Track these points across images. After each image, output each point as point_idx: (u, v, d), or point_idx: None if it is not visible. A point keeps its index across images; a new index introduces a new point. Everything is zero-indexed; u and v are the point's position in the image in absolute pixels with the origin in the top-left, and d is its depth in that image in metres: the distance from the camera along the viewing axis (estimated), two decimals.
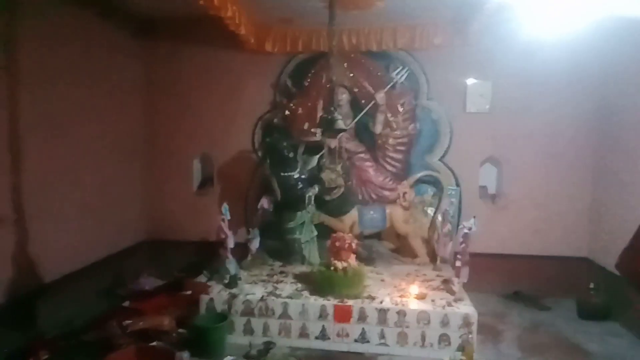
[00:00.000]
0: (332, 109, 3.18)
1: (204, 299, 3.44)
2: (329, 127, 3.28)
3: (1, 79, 3.11)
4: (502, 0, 3.19)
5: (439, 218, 4.30)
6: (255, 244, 4.14)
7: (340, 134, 4.21)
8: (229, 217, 3.64)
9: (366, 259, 4.13)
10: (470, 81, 4.49)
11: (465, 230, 3.37)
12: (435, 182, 4.47)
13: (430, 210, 4.42)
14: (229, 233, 3.63)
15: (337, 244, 3.48)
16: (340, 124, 3.19)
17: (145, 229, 4.98)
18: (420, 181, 4.47)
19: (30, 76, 3.32)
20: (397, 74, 4.47)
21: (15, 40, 3.20)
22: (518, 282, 4.45)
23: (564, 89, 4.33)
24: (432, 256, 4.26)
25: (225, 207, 3.65)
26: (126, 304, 3.83)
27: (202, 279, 3.84)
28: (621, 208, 3.88)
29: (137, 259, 4.71)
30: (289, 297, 3.38)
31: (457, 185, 4.52)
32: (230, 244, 3.64)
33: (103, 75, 4.21)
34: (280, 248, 4.27)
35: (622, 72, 3.98)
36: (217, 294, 3.46)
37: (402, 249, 4.41)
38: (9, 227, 3.20)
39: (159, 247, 4.94)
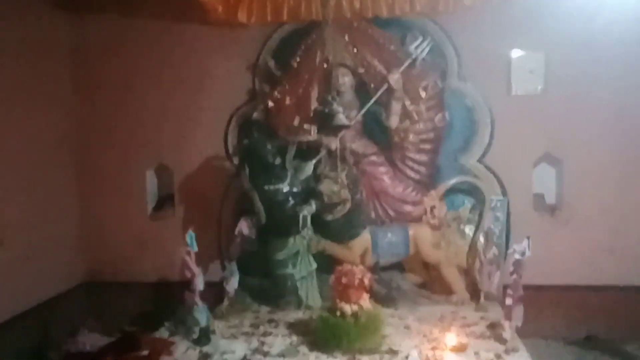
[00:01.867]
0: (330, 98, 3.18)
1: None
2: (326, 123, 3.28)
3: None
4: None
5: (481, 239, 4.30)
6: (233, 284, 4.14)
7: (343, 131, 4.21)
8: (195, 249, 3.62)
9: (384, 298, 4.13)
10: (515, 53, 4.51)
11: (517, 257, 3.36)
12: (473, 192, 4.47)
13: (469, 230, 4.42)
14: (197, 270, 3.61)
15: (344, 280, 3.46)
16: (342, 118, 3.21)
17: (83, 269, 4.99)
18: (453, 191, 4.47)
19: None
20: (416, 48, 4.47)
21: None
22: (591, 323, 4.45)
23: (637, 61, 4.34)
24: (474, 291, 4.26)
25: (190, 235, 3.63)
26: None
27: (162, 333, 3.83)
28: None
29: (74, 309, 4.71)
30: (282, 355, 3.36)
31: (504, 194, 4.52)
32: (199, 285, 3.63)
33: (15, 64, 4.20)
34: (267, 288, 4.27)
35: None
36: (183, 354, 3.44)
37: (432, 283, 4.41)
38: None
39: (102, 292, 4.94)
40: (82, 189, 5.00)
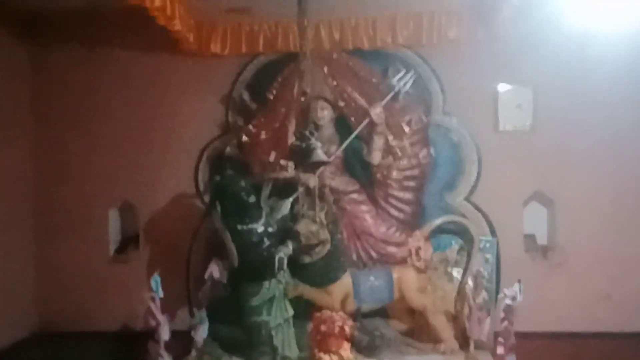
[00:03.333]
0: (308, 132, 3.19)
1: None
2: (304, 159, 3.28)
3: None
4: None
5: (470, 283, 4.28)
6: (202, 333, 4.04)
7: (322, 168, 4.22)
8: (161, 295, 3.59)
9: (367, 347, 4.04)
10: (502, 88, 4.61)
11: (508, 302, 3.38)
12: (461, 232, 4.48)
13: (457, 273, 4.41)
14: (162, 318, 3.59)
15: (323, 328, 3.45)
16: (320, 153, 3.22)
17: (37, 317, 4.88)
18: (439, 231, 4.47)
19: None
20: (399, 81, 4.53)
21: None
22: None
23: (627, 97, 4.47)
24: (463, 340, 4.20)
25: (155, 279, 3.61)
26: None
27: None
28: None
29: None
30: None
31: (493, 235, 4.55)
32: (164, 334, 3.61)
33: None
34: (239, 337, 4.17)
35: None
36: None
37: (418, 331, 4.36)
38: None
39: (58, 342, 4.80)
40: (38, 229, 4.92)
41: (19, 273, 4.74)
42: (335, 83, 4.61)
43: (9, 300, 4.53)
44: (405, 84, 4.55)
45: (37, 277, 4.90)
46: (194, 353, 4.05)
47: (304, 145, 3.18)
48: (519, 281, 3.44)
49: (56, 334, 4.85)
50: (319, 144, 3.26)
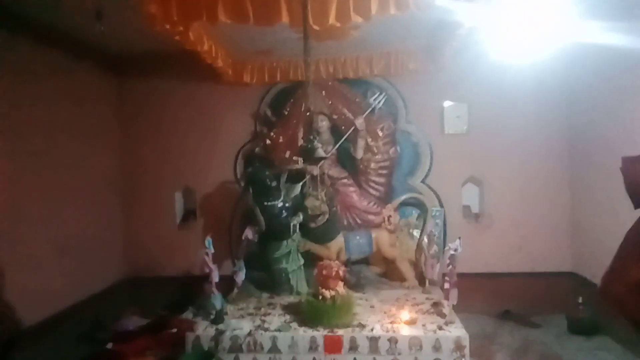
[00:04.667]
0: (312, 137, 3.18)
1: (190, 336, 3.33)
2: (309, 156, 3.27)
3: None
4: (472, 25, 3.28)
5: (425, 240, 4.30)
6: (241, 277, 4.05)
7: (322, 162, 4.20)
8: (212, 251, 3.57)
9: (355, 285, 4.09)
10: (446, 104, 4.58)
11: (452, 252, 3.38)
12: (419, 204, 4.49)
13: (416, 233, 4.42)
14: (214, 267, 3.55)
15: (324, 272, 3.43)
16: (320, 152, 3.19)
17: (126, 267, 4.85)
18: (404, 204, 4.48)
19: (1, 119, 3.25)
20: (374, 100, 4.52)
21: None
22: (507, 301, 4.44)
23: (534, 109, 4.46)
24: (421, 279, 4.23)
25: (208, 240, 3.58)
26: (109, 346, 3.69)
27: (187, 315, 3.73)
28: (600, 221, 3.95)
29: (119, 299, 4.57)
30: (278, 330, 3.30)
31: (441, 206, 4.56)
32: (215, 278, 3.57)
33: (78, 113, 4.16)
34: (266, 279, 4.18)
35: (585, 93, 4.14)
36: (203, 331, 3.36)
37: (390, 273, 4.38)
38: None
39: (142, 285, 4.80)
40: (126, 207, 4.89)
41: (114, 239, 4.74)
42: (330, 102, 4.59)
43: (106, 258, 4.54)
44: (379, 102, 4.54)
45: (125, 239, 4.88)
46: (235, 290, 4.06)
47: (309, 146, 3.15)
48: (459, 238, 3.43)
49: (139, 278, 4.84)
50: (319, 145, 3.23)
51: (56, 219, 3.83)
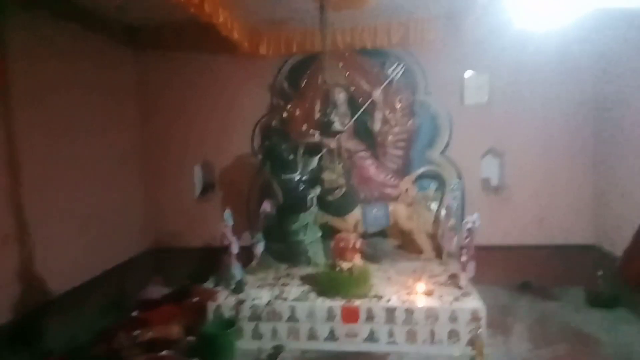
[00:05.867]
0: (328, 111, 3.15)
1: (211, 306, 3.43)
2: (326, 130, 3.26)
3: None
4: None
5: (443, 212, 4.28)
6: (259, 248, 4.12)
7: (339, 135, 4.17)
8: (231, 223, 3.62)
9: (372, 257, 4.10)
10: (467, 74, 4.47)
11: (469, 226, 3.36)
12: (437, 177, 4.45)
13: (434, 205, 4.40)
14: (233, 239, 3.62)
15: (342, 244, 3.46)
16: (337, 125, 3.18)
17: (149, 238, 4.97)
18: (422, 177, 4.44)
19: (22, 93, 3.30)
20: (393, 71, 4.44)
21: (5, 57, 3.18)
22: (525, 273, 4.43)
23: (557, 78, 4.33)
24: (438, 251, 4.24)
25: (227, 213, 3.64)
26: (134, 314, 3.83)
27: (209, 285, 3.84)
28: (625, 193, 3.86)
29: (143, 269, 4.71)
30: (296, 299, 3.37)
31: (460, 178, 4.50)
32: (235, 249, 3.63)
33: (96, 87, 4.19)
34: (285, 250, 4.23)
35: (614, 62, 4.00)
36: (224, 300, 3.45)
37: (407, 245, 4.38)
38: (12, 245, 3.20)
39: (164, 255, 4.93)
40: (147, 181, 4.96)
41: (136, 208, 4.84)
42: (347, 74, 4.53)
43: (130, 230, 4.66)
44: (397, 73, 4.46)
45: (149, 213, 4.97)
46: (255, 261, 4.14)
47: (326, 120, 3.14)
48: (478, 213, 3.41)
49: (162, 250, 4.97)
50: (336, 119, 3.22)
51: (79, 193, 3.92)
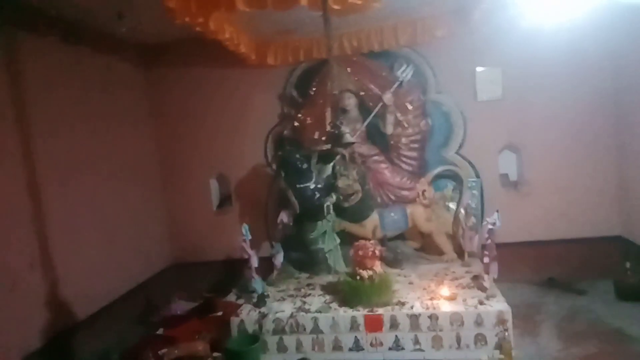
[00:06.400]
0: (338, 122, 3.12)
1: (235, 321, 3.44)
2: (337, 142, 3.22)
3: (9, 129, 3.16)
4: None
5: (462, 212, 4.23)
6: (279, 259, 4.10)
7: (351, 147, 4.11)
8: (249, 237, 3.62)
9: (392, 261, 4.09)
10: (479, 69, 4.39)
11: (490, 226, 3.30)
12: (454, 176, 4.40)
13: (452, 205, 4.36)
14: (252, 252, 3.62)
15: (361, 252, 3.43)
16: (348, 137, 3.14)
17: (170, 254, 5.03)
18: (438, 177, 4.40)
19: (38, 121, 3.36)
20: (402, 72, 4.39)
21: (19, 86, 3.24)
22: (550, 269, 4.34)
23: (574, 70, 4.22)
24: (459, 251, 4.19)
25: (245, 227, 3.63)
26: (160, 331, 3.88)
27: (231, 297, 3.86)
28: None
29: (166, 284, 4.76)
30: (318, 311, 3.35)
31: (477, 176, 4.43)
32: (254, 263, 3.64)
33: (110, 108, 4.25)
34: (305, 259, 4.23)
35: (634, 51, 3.86)
36: (247, 314, 3.46)
37: (427, 247, 4.34)
38: (38, 271, 3.27)
39: (186, 270, 4.98)
40: (166, 197, 5.02)
41: (156, 225, 4.89)
42: (356, 78, 4.50)
43: (150, 245, 4.72)
44: (407, 75, 4.41)
45: (169, 226, 5.03)
46: (275, 272, 4.13)
47: (336, 132, 3.10)
48: (497, 211, 3.34)
49: (183, 264, 5.02)
50: (347, 130, 3.17)
51: (101, 214, 3.99)
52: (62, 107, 3.64)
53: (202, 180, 4.97)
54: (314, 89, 4.57)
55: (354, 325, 3.24)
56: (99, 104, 4.09)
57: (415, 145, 4.48)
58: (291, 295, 3.72)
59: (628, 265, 3.88)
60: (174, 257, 5.04)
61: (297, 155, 4.07)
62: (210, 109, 4.85)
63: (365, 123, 4.40)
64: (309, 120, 4.57)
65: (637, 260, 3.87)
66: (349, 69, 4.47)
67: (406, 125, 4.42)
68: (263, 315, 3.40)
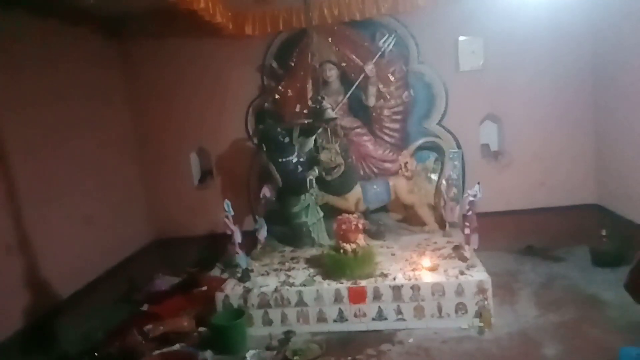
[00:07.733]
0: (320, 97, 3.05)
1: (220, 296, 3.44)
2: (319, 118, 3.15)
3: None
4: None
5: (444, 183, 4.25)
6: (263, 233, 4.09)
7: (333, 123, 4.06)
8: (232, 213, 3.58)
9: (375, 233, 4.12)
10: (461, 38, 4.33)
11: (471, 198, 3.33)
12: (435, 148, 4.40)
13: (434, 177, 4.37)
14: (235, 228, 3.59)
15: (344, 226, 3.45)
16: (330, 112, 3.08)
17: (152, 230, 4.97)
18: (420, 149, 4.40)
19: (7, 98, 3.21)
20: (384, 42, 4.29)
21: None
22: (529, 237, 4.44)
23: (554, 39, 4.21)
24: (441, 222, 4.23)
25: (227, 203, 3.59)
26: (144, 308, 3.87)
27: (215, 272, 3.86)
28: (627, 152, 3.81)
29: (149, 261, 4.72)
30: (303, 284, 3.38)
31: (459, 147, 4.44)
32: (238, 238, 3.61)
33: (83, 84, 4.09)
34: (288, 233, 4.24)
35: (614, 19, 3.85)
36: (232, 289, 3.46)
37: (410, 219, 4.39)
38: (15, 254, 3.19)
39: (169, 245, 4.94)
40: (145, 173, 4.92)
41: (137, 201, 4.83)
42: (337, 49, 4.38)
43: (133, 222, 4.66)
44: (389, 45, 4.31)
45: (150, 202, 4.95)
46: (259, 247, 4.12)
47: (317, 107, 3.04)
48: (478, 183, 3.37)
49: (166, 240, 4.97)
50: (328, 105, 3.11)
51: (78, 192, 3.90)
52: (32, 82, 3.48)
53: (182, 155, 4.88)
54: (294, 60, 4.45)
55: (338, 298, 3.28)
56: (71, 79, 3.92)
57: (398, 117, 4.45)
58: (275, 269, 3.74)
59: (604, 232, 3.98)
60: (157, 234, 4.99)
61: (279, 129, 4.02)
62: (188, 82, 4.71)
63: (347, 95, 4.33)
64: (289, 93, 4.47)
65: (612, 227, 3.97)
66: (329, 39, 4.35)
67: (388, 96, 4.37)
68: (248, 290, 3.41)
